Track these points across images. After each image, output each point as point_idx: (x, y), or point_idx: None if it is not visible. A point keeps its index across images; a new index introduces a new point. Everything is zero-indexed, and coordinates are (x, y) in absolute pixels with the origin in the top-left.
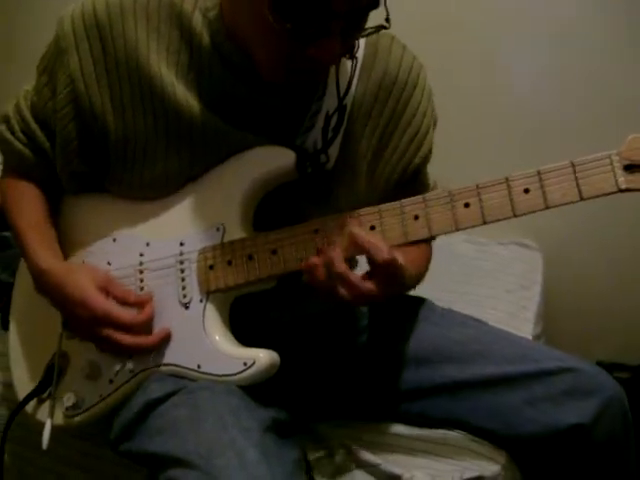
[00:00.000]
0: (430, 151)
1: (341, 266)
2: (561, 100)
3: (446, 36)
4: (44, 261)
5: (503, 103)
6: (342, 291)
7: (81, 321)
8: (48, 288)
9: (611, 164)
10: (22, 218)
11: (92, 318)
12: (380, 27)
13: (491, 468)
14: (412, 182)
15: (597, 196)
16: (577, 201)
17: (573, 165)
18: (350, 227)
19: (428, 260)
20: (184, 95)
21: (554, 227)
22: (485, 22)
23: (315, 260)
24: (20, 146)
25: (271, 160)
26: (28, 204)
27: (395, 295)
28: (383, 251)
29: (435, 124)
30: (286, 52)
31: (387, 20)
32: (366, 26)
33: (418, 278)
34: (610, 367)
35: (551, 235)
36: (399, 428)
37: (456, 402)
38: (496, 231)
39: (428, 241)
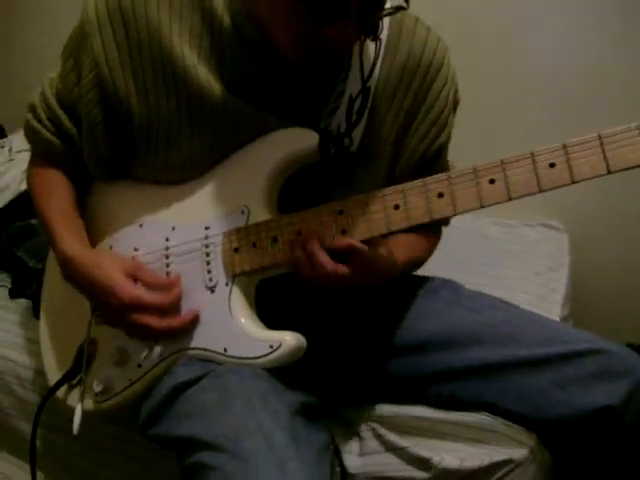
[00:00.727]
0: (450, 132)
1: (319, 254)
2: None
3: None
4: (71, 249)
5: (524, 76)
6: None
7: (110, 308)
8: (76, 276)
9: None
10: (49, 206)
11: (121, 305)
12: (399, 8)
13: (520, 451)
14: (431, 165)
15: (625, 169)
16: (605, 174)
17: (600, 137)
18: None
19: (429, 245)
20: (206, 78)
21: (580, 207)
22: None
23: (298, 253)
24: (47, 134)
25: (294, 142)
26: (55, 192)
27: (379, 282)
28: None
29: (456, 107)
30: (304, 33)
31: (406, 1)
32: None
33: (412, 264)
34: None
35: (577, 216)
36: (427, 411)
37: (485, 385)
38: (522, 212)
39: (432, 227)
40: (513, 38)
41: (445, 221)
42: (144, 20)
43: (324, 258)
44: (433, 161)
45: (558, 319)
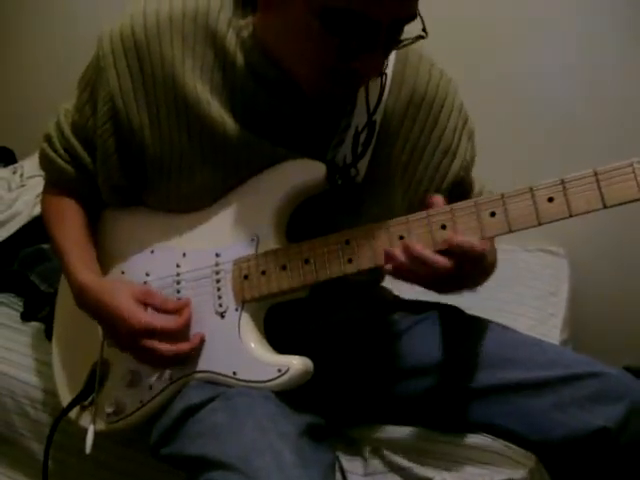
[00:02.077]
0: (468, 161)
1: (416, 247)
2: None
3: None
4: (84, 277)
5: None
6: (422, 270)
7: (120, 334)
8: (88, 304)
9: (633, 172)
10: (63, 235)
11: (131, 331)
12: (418, 37)
13: (520, 472)
14: (453, 193)
15: (620, 204)
16: (600, 209)
17: (596, 174)
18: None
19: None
20: (218, 112)
21: (580, 233)
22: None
23: (394, 250)
24: (62, 163)
25: (302, 172)
26: (69, 220)
27: (475, 279)
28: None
29: (471, 135)
30: (330, 66)
31: (424, 30)
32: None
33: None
34: (637, 372)
35: (577, 241)
36: (429, 432)
37: (486, 406)
38: (522, 238)
39: None
40: (514, 61)
41: None
42: (158, 56)
43: (431, 254)
44: (454, 188)
45: (557, 343)
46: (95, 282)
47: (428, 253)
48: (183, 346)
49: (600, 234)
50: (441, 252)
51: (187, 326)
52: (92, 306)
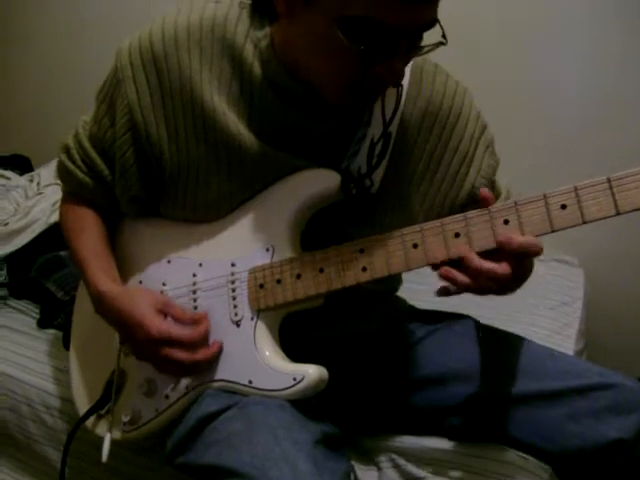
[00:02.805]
0: (486, 170)
1: (474, 260)
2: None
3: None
4: (103, 284)
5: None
6: (484, 282)
7: (139, 342)
8: (107, 311)
9: None
10: (82, 244)
11: (151, 340)
12: (439, 43)
13: None
14: (473, 201)
15: (634, 210)
16: (614, 215)
17: (609, 180)
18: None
19: None
20: (235, 124)
21: (594, 243)
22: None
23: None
24: (81, 175)
25: (317, 182)
26: (88, 230)
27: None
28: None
29: (489, 145)
30: (354, 74)
31: (443, 36)
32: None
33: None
34: None
35: (591, 250)
36: (444, 442)
37: (501, 417)
38: None
39: None
40: (527, 69)
41: None
42: (176, 68)
43: (490, 264)
44: (474, 197)
45: (572, 353)
46: (115, 290)
47: (489, 266)
48: (201, 354)
49: (614, 242)
50: (487, 253)
51: (205, 337)
52: (112, 314)
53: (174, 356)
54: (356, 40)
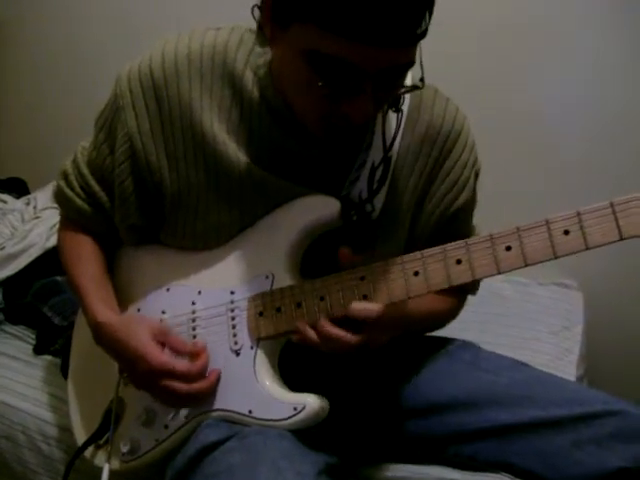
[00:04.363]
0: (471, 201)
1: (324, 326)
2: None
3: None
4: (102, 314)
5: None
6: (332, 345)
7: (138, 373)
8: (106, 341)
9: None
10: (80, 272)
11: (149, 371)
12: (414, 87)
13: None
14: (449, 227)
15: (637, 235)
16: (617, 240)
17: (612, 205)
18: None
19: (452, 305)
20: (235, 152)
21: (593, 266)
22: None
23: (301, 326)
24: (79, 202)
25: (316, 209)
26: (86, 258)
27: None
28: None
29: (477, 175)
30: (323, 109)
31: (421, 80)
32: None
33: (433, 317)
34: None
35: (590, 273)
36: (447, 471)
37: (504, 445)
38: (535, 271)
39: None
40: (528, 91)
41: (473, 288)
42: (176, 95)
43: (338, 331)
44: (452, 223)
45: (574, 379)
46: (113, 319)
47: (335, 332)
48: (200, 385)
49: (613, 265)
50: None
51: (204, 370)
52: (110, 343)
53: (172, 387)
54: (321, 74)
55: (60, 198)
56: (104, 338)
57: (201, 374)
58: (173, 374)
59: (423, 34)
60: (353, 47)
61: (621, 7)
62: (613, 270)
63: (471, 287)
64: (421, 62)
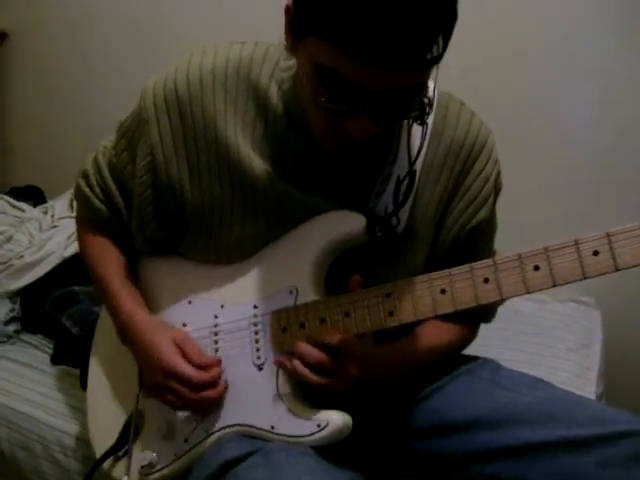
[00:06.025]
0: (490, 220)
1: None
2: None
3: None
4: (132, 311)
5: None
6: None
7: (151, 371)
8: (131, 335)
9: None
10: (107, 272)
11: (161, 369)
12: (418, 116)
13: None
14: (468, 243)
15: None
16: None
17: None
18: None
19: (458, 338)
20: (259, 166)
21: (611, 283)
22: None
23: (282, 358)
24: (97, 203)
25: (341, 224)
26: (109, 258)
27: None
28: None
29: (497, 194)
30: (329, 124)
31: (430, 105)
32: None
33: (440, 350)
34: None
35: (608, 291)
36: None
37: (527, 465)
38: (554, 288)
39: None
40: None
41: (489, 315)
42: (200, 110)
43: (304, 370)
44: (468, 241)
45: (594, 397)
46: (143, 316)
47: (304, 349)
48: (205, 393)
49: (630, 282)
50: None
51: (213, 383)
52: (134, 338)
53: (178, 390)
54: (327, 89)
55: (78, 197)
56: (131, 335)
57: (207, 384)
58: (180, 378)
59: (435, 60)
60: (357, 65)
61: (631, 12)
62: (631, 288)
63: (486, 315)
64: (434, 88)
